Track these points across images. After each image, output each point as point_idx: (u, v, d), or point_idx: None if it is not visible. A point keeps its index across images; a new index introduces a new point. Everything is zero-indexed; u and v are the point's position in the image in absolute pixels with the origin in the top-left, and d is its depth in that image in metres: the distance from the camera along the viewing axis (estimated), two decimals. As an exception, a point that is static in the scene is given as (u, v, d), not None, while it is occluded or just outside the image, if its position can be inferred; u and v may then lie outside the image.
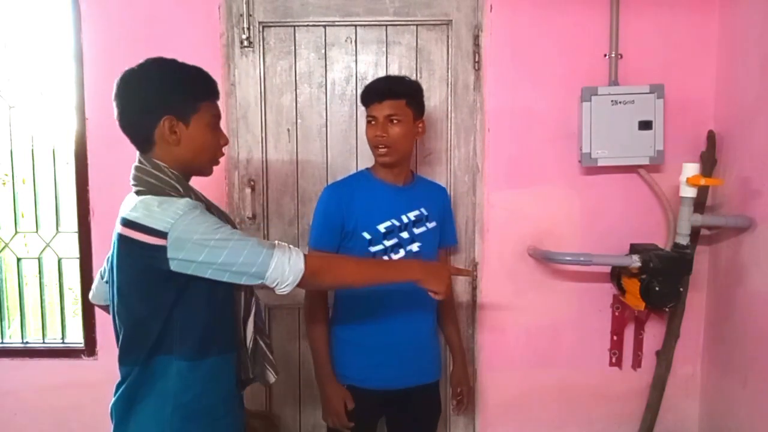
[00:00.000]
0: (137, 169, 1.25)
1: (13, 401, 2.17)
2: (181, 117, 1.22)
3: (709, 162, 1.93)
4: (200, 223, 1.16)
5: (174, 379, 1.20)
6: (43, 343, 2.23)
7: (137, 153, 1.27)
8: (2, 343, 2.23)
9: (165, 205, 1.17)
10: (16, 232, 2.26)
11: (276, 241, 1.26)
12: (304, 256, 1.25)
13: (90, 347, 2.13)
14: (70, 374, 2.15)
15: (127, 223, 1.17)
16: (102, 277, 1.47)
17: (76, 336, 2.22)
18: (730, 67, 1.92)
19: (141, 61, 1.29)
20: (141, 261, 1.16)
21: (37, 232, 2.25)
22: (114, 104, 1.24)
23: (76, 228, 2.11)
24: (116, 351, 1.23)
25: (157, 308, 1.19)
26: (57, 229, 2.23)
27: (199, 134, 1.25)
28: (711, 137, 1.95)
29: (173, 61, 1.29)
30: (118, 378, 1.24)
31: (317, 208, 1.70)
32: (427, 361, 1.77)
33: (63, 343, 2.23)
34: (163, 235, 1.13)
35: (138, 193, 1.22)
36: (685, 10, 1.98)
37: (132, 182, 1.25)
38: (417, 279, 1.37)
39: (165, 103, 1.22)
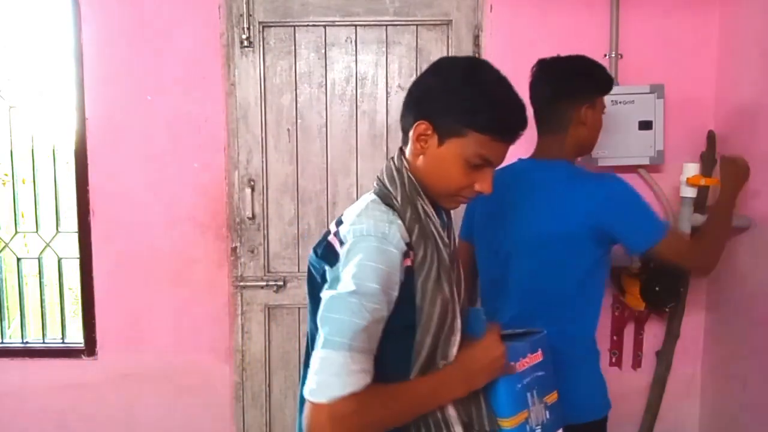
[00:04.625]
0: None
1: (13, 401, 2.17)
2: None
3: (709, 162, 1.93)
4: (360, 280, 0.91)
5: None
6: (43, 343, 2.23)
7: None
8: (2, 343, 2.23)
9: (362, 216, 0.99)
10: (16, 232, 2.26)
11: (364, 373, 0.90)
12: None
13: (90, 347, 2.13)
14: (70, 374, 2.15)
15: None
16: None
17: (76, 336, 2.22)
18: (730, 67, 1.92)
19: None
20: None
21: (37, 232, 2.25)
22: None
23: (76, 228, 2.11)
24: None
25: None
26: (57, 229, 2.23)
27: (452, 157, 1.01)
28: (711, 137, 1.95)
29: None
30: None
31: (637, 194, 1.38)
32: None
33: (63, 343, 2.22)
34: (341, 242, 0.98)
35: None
36: (685, 10, 1.97)
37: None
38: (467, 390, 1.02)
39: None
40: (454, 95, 0.98)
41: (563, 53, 1.52)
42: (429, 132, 0.99)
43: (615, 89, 1.92)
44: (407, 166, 1.03)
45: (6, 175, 2.28)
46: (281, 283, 2.07)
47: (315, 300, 0.99)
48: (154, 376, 2.12)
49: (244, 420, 2.15)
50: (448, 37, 2.02)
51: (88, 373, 2.13)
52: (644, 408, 2.08)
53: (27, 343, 2.23)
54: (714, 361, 2.03)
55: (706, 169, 1.92)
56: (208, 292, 2.09)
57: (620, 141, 1.93)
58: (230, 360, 2.13)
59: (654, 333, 2.09)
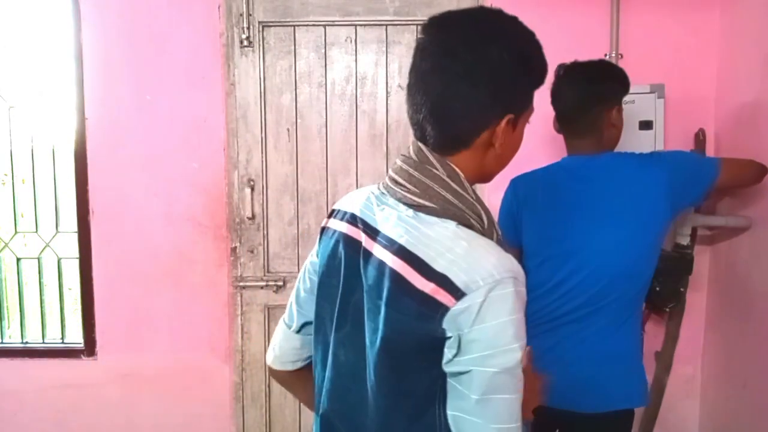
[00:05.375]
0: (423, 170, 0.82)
1: (13, 401, 2.17)
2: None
3: None
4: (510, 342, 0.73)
5: None
6: (43, 343, 2.23)
7: (416, 147, 0.84)
8: (2, 343, 2.23)
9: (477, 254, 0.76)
10: (16, 232, 2.26)
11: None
12: None
13: (90, 347, 2.13)
14: (69, 374, 2.15)
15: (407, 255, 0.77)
16: (290, 327, 1.02)
17: (75, 336, 2.22)
18: (730, 67, 1.92)
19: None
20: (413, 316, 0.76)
21: (36, 232, 2.25)
22: None
23: (75, 228, 2.11)
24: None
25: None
26: (57, 229, 2.23)
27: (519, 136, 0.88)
28: (699, 137, 1.94)
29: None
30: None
31: (680, 151, 1.65)
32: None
33: (63, 343, 2.22)
34: (457, 293, 0.73)
35: (418, 208, 0.81)
36: (685, 10, 1.97)
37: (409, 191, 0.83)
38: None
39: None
40: (528, 74, 0.82)
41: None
42: (510, 124, 0.82)
43: (615, 89, 1.93)
44: (461, 174, 0.82)
45: (6, 175, 2.28)
46: (281, 283, 2.07)
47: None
48: (154, 376, 2.12)
49: (244, 420, 2.14)
50: (448, 37, 2.01)
51: (88, 373, 2.13)
52: (644, 409, 2.08)
53: (27, 343, 2.23)
54: (714, 361, 2.02)
55: None
56: (208, 292, 2.09)
57: (621, 141, 1.92)
58: (230, 360, 2.13)
59: (654, 333, 2.08)
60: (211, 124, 2.04)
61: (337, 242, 0.90)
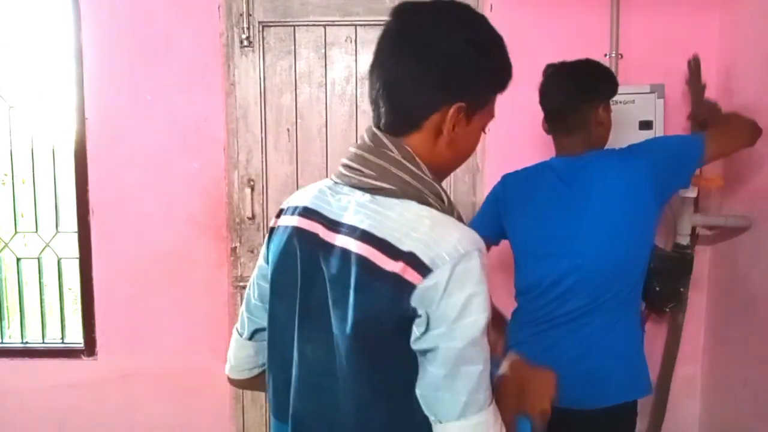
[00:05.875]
0: (378, 153, 0.83)
1: (13, 401, 2.17)
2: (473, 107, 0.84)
3: (698, 87, 1.91)
4: (480, 314, 0.74)
5: None
6: (43, 343, 2.23)
7: (371, 132, 0.87)
8: (2, 343, 2.23)
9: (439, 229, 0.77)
10: (16, 232, 2.26)
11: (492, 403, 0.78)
12: None
13: (90, 347, 2.13)
14: (69, 374, 2.15)
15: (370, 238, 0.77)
16: (242, 335, 1.01)
17: (75, 336, 2.22)
18: (730, 67, 1.92)
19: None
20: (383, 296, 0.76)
21: (36, 232, 2.25)
22: None
23: (75, 228, 2.11)
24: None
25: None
26: (57, 229, 2.23)
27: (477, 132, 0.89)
28: (690, 65, 1.92)
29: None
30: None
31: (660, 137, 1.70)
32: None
33: (63, 343, 2.22)
34: (423, 270, 0.73)
35: (375, 191, 0.81)
36: (685, 10, 1.97)
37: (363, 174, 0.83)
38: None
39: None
40: (484, 66, 0.83)
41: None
42: (462, 113, 0.82)
43: (615, 89, 1.93)
44: (416, 156, 0.82)
45: (6, 175, 2.28)
46: (281, 283, 2.07)
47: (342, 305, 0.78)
48: (154, 376, 2.12)
49: (244, 420, 2.14)
50: (448, 37, 2.01)
51: (88, 373, 2.13)
52: (649, 409, 2.08)
53: (27, 343, 2.23)
54: (714, 361, 2.03)
55: (697, 94, 1.90)
56: (208, 292, 2.09)
57: (621, 141, 1.91)
58: (230, 360, 2.13)
59: (654, 333, 2.08)
60: (211, 124, 2.04)
61: (290, 237, 0.88)
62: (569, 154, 1.49)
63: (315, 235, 0.84)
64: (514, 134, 1.99)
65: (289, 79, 2.05)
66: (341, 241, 0.80)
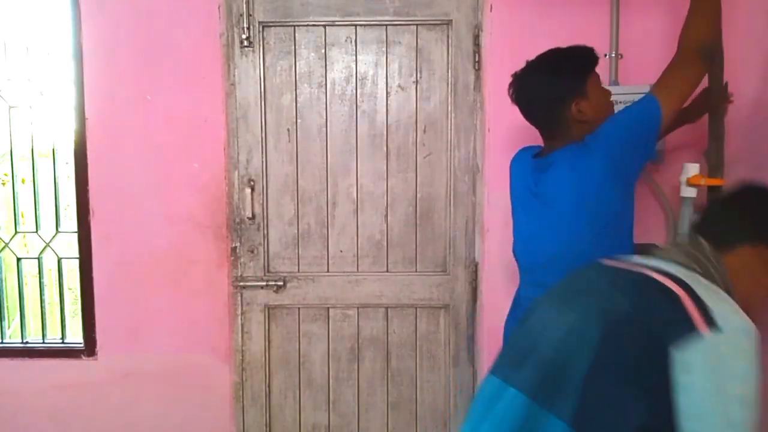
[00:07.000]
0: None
1: (13, 401, 2.17)
2: None
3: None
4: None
5: None
6: (43, 343, 2.23)
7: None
8: (2, 343, 2.23)
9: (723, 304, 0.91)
10: (16, 232, 2.26)
11: None
12: None
13: (90, 347, 2.13)
14: (70, 374, 2.15)
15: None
16: None
17: (76, 336, 2.22)
18: (730, 67, 1.92)
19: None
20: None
21: (37, 232, 2.25)
22: None
23: (76, 228, 2.12)
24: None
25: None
26: (57, 229, 2.23)
27: None
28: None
29: None
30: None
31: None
32: None
33: (63, 343, 2.22)
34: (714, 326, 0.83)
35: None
36: (685, 10, 1.97)
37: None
38: None
39: None
40: None
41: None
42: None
43: (615, 89, 1.92)
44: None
45: (6, 175, 2.28)
46: (281, 283, 2.07)
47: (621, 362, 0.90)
48: (154, 376, 2.12)
49: (244, 420, 2.15)
50: (448, 36, 2.02)
51: (88, 373, 2.13)
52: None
53: (27, 343, 2.23)
54: (714, 361, 2.02)
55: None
56: (208, 292, 2.09)
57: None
58: (230, 360, 2.13)
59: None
60: (211, 124, 2.04)
61: None
62: (547, 154, 1.52)
63: None
64: (513, 135, 1.99)
65: (289, 80, 2.05)
66: None
